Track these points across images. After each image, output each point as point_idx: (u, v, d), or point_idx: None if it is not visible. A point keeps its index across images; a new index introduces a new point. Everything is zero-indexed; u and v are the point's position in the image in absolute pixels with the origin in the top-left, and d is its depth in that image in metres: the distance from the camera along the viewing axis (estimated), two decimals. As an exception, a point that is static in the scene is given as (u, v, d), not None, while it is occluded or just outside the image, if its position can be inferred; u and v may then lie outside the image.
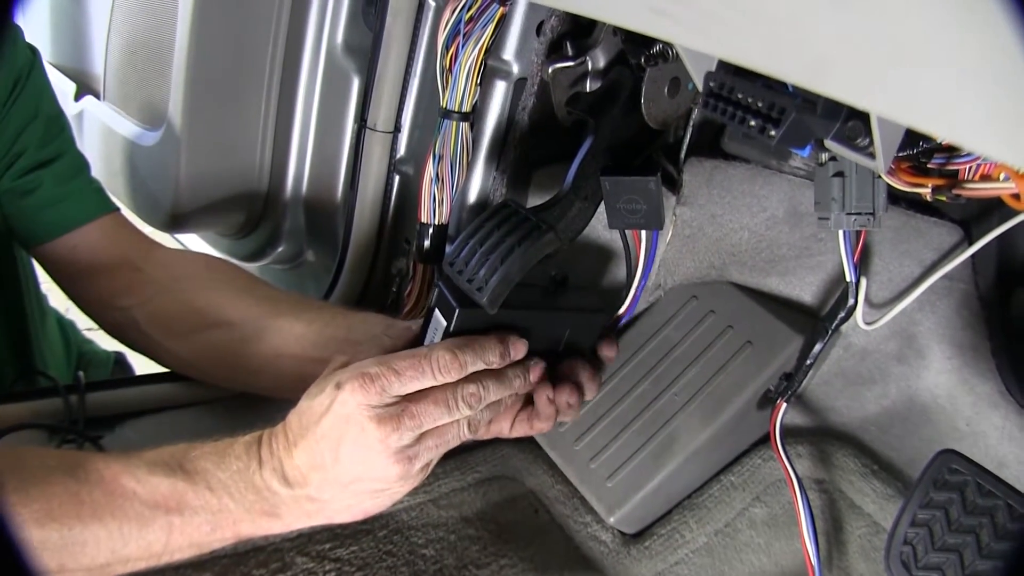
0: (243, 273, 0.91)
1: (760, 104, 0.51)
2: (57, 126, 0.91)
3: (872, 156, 0.53)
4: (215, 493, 0.62)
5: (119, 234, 0.92)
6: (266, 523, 0.64)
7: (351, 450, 0.61)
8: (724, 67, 0.55)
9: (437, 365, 0.63)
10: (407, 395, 0.62)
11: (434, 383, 0.63)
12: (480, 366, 0.65)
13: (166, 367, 0.91)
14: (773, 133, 0.50)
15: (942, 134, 0.36)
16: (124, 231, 0.93)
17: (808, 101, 0.51)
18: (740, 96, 0.52)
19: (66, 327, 1.27)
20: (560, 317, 0.73)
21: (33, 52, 0.89)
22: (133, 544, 0.59)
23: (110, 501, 0.59)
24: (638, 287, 0.79)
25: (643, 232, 0.78)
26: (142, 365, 1.23)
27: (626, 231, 0.80)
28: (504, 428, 0.74)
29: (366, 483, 0.62)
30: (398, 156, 0.94)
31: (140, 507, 0.59)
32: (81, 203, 0.91)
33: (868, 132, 0.51)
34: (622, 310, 0.80)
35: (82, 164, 0.93)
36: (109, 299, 0.89)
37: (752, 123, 0.51)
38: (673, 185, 0.91)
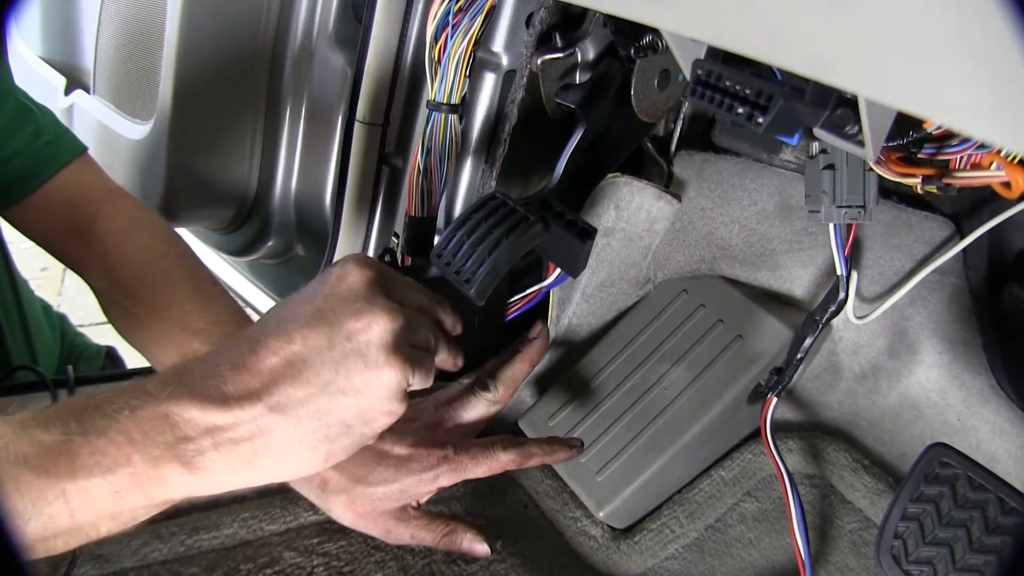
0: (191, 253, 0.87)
1: (748, 91, 0.50)
2: None
3: (861, 144, 0.52)
4: (113, 443, 0.47)
5: (76, 188, 0.87)
6: (180, 478, 0.49)
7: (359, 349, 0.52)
8: (712, 55, 0.54)
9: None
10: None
11: None
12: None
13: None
14: (761, 120, 0.49)
15: (932, 116, 0.36)
16: (85, 178, 0.89)
17: (796, 88, 0.51)
18: (728, 84, 0.51)
19: (55, 320, 1.26)
20: None
21: None
22: (35, 522, 0.46)
23: (5, 473, 0.46)
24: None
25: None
26: (133, 359, 1.23)
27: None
28: None
29: (355, 398, 0.51)
30: (387, 149, 0.94)
31: (31, 476, 0.46)
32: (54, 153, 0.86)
33: (857, 119, 0.51)
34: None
35: (29, 107, 0.87)
36: (77, 269, 0.86)
37: (740, 111, 0.50)
38: (663, 178, 0.91)
